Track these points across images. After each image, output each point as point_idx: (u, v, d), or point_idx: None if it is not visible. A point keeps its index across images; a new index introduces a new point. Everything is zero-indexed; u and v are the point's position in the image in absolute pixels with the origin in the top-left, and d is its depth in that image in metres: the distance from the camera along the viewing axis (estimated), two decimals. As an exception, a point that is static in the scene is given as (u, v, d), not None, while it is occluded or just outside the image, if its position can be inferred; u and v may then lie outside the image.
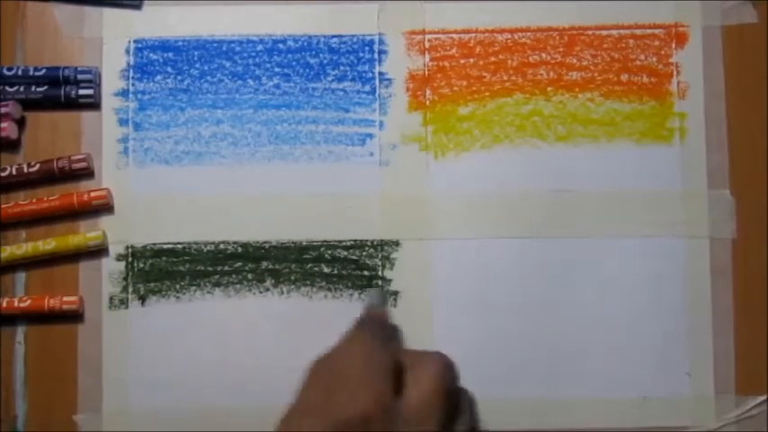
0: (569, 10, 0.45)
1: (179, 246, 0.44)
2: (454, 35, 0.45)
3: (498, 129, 0.45)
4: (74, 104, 0.44)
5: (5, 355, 0.43)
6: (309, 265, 0.44)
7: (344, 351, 0.35)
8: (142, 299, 0.44)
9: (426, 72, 0.45)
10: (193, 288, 0.44)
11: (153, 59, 0.45)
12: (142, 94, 0.45)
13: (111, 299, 0.44)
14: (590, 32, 0.45)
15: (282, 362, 0.43)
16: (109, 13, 0.45)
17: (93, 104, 0.44)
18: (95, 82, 0.44)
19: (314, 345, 0.44)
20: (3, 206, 0.43)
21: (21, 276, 0.44)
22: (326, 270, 0.44)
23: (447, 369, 0.34)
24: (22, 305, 0.43)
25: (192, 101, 0.45)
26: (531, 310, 0.44)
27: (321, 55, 0.45)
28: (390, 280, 0.44)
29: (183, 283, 0.44)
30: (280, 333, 0.44)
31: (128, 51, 0.45)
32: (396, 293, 0.44)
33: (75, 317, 0.43)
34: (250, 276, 0.44)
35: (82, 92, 0.44)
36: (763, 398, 0.43)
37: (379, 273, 0.44)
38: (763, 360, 0.43)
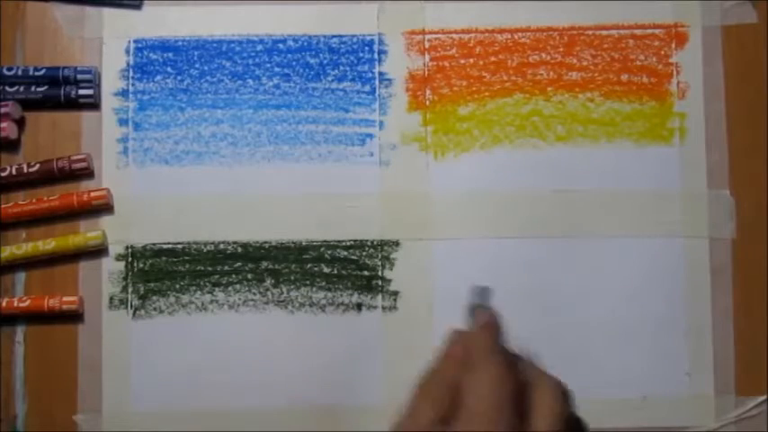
0: (569, 10, 0.45)
1: (179, 246, 0.44)
2: (454, 35, 0.45)
3: (498, 129, 0.45)
4: (74, 104, 0.44)
5: (5, 355, 0.43)
6: (309, 265, 0.44)
7: (473, 377, 0.33)
8: (142, 299, 0.44)
9: (426, 72, 0.45)
10: (193, 288, 0.44)
11: (153, 59, 0.45)
12: (142, 94, 0.45)
13: (111, 299, 0.44)
14: (590, 32, 0.45)
15: (283, 363, 0.43)
16: (109, 13, 0.45)
17: (93, 104, 0.44)
18: (95, 82, 0.44)
19: (314, 346, 0.44)
20: (3, 206, 0.43)
21: (21, 276, 0.44)
22: (326, 270, 0.44)
23: (567, 397, 0.33)
24: (21, 305, 0.43)
25: (191, 101, 0.45)
26: (530, 310, 0.44)
27: (321, 55, 0.45)
28: (390, 280, 0.44)
29: (182, 283, 0.44)
30: (280, 335, 0.44)
31: (128, 51, 0.45)
32: (396, 293, 0.44)
33: (75, 317, 0.43)
34: (250, 276, 0.44)
35: (82, 92, 0.44)
36: (762, 398, 0.43)
37: (379, 273, 0.44)
38: (763, 360, 0.43)
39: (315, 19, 0.45)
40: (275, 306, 0.44)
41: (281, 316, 0.44)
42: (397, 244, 0.44)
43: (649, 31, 0.45)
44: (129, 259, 0.44)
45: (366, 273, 0.44)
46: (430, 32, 0.45)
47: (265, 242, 0.44)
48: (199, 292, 0.44)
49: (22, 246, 0.43)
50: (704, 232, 0.44)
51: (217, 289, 0.44)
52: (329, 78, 0.45)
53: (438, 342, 0.44)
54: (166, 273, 0.44)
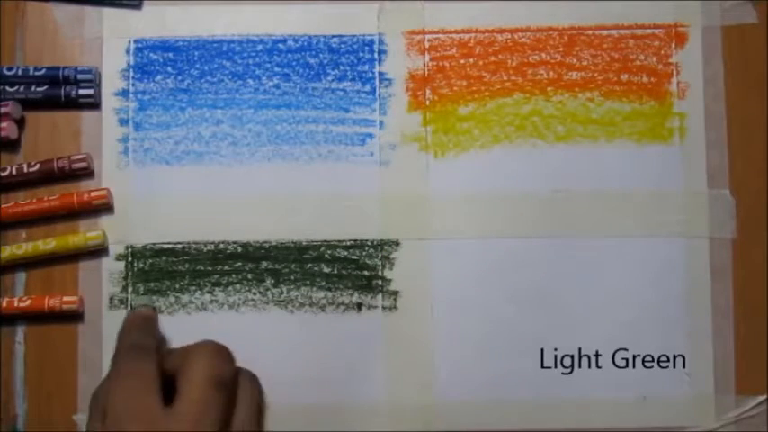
0: (569, 10, 0.45)
1: (179, 246, 0.44)
2: (454, 35, 0.45)
3: (498, 129, 0.45)
4: (74, 104, 0.44)
5: (5, 355, 0.43)
6: (309, 265, 0.44)
7: (109, 374, 0.35)
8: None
9: (426, 72, 0.45)
10: (193, 288, 0.44)
11: (153, 59, 0.45)
12: (142, 94, 0.45)
13: (110, 299, 0.44)
14: (590, 32, 0.45)
15: (283, 363, 0.43)
16: (109, 13, 0.45)
17: (93, 104, 0.44)
18: (95, 82, 0.44)
19: (314, 346, 0.44)
20: (3, 206, 0.43)
21: (21, 276, 0.44)
22: (326, 270, 0.44)
23: (219, 359, 0.33)
24: (21, 305, 0.43)
25: (192, 101, 0.45)
26: (530, 310, 0.44)
27: (321, 55, 0.45)
28: (390, 280, 0.44)
29: (182, 283, 0.44)
30: (280, 334, 0.44)
31: (128, 51, 0.45)
32: (396, 293, 0.44)
33: (75, 317, 0.43)
34: (250, 276, 0.44)
35: (82, 92, 0.44)
36: (762, 398, 0.43)
37: (379, 273, 0.44)
38: (763, 360, 0.43)
39: (315, 19, 0.45)
40: (275, 306, 0.44)
41: (281, 316, 0.44)
42: (397, 244, 0.44)
43: (649, 31, 0.45)
44: (129, 259, 0.44)
45: (366, 272, 0.44)
46: (430, 32, 0.45)
47: (265, 242, 0.44)
48: (199, 292, 0.44)
49: (22, 246, 0.43)
50: (704, 232, 0.44)
51: (217, 289, 0.44)
52: (329, 78, 0.45)
53: (438, 342, 0.44)
54: (166, 273, 0.44)
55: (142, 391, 0.32)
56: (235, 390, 0.34)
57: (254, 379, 0.38)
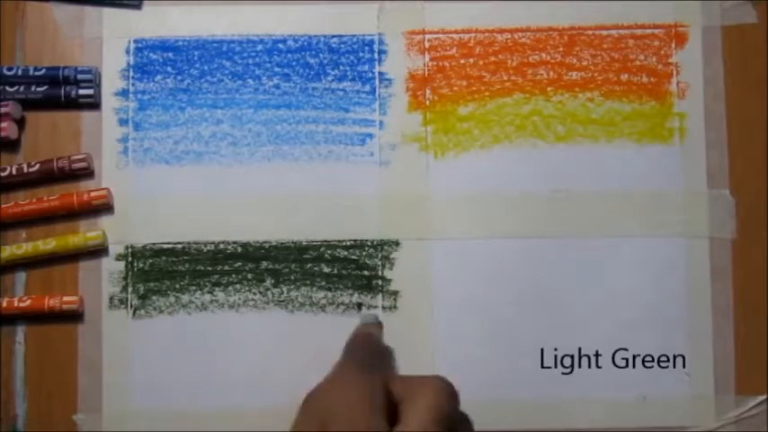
0: (569, 10, 0.45)
1: (179, 246, 0.44)
2: (454, 35, 0.45)
3: (498, 129, 0.45)
4: (74, 104, 0.44)
5: (5, 355, 0.43)
6: (309, 265, 0.44)
7: (333, 383, 0.33)
8: (142, 299, 0.44)
9: (426, 72, 0.45)
10: (193, 288, 0.44)
11: (153, 59, 0.45)
12: (142, 93, 0.45)
13: (110, 299, 0.44)
14: (590, 32, 0.45)
15: (283, 363, 0.43)
16: (109, 13, 0.45)
17: (93, 104, 0.44)
18: (95, 82, 0.44)
19: (314, 346, 0.44)
20: (3, 206, 0.43)
21: (21, 276, 0.44)
22: (326, 270, 0.44)
23: (447, 397, 0.32)
24: (21, 305, 0.43)
25: (191, 101, 0.45)
26: (530, 310, 0.44)
27: (321, 55, 0.45)
28: (390, 280, 0.44)
29: (182, 283, 0.44)
30: (280, 335, 0.44)
31: (128, 51, 0.45)
32: (396, 293, 0.44)
33: (75, 317, 0.43)
34: (250, 276, 0.44)
35: (82, 92, 0.44)
36: (762, 398, 0.43)
37: (379, 273, 0.44)
38: (763, 360, 0.43)
39: (315, 19, 0.45)
40: (275, 306, 0.44)
41: (281, 316, 0.44)
42: (397, 244, 0.44)
43: (649, 31, 0.45)
44: (129, 259, 0.44)
45: (366, 273, 0.44)
46: (430, 32, 0.45)
47: (265, 242, 0.44)
48: (199, 292, 0.44)
49: (22, 246, 0.43)
50: (704, 232, 0.44)
51: (217, 289, 0.44)
52: (329, 78, 0.45)
53: (438, 342, 0.44)
54: (166, 273, 0.44)
55: (369, 408, 0.31)
56: (455, 430, 0.33)
57: (471, 424, 0.37)
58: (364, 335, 0.40)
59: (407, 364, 0.43)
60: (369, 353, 0.38)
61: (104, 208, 0.44)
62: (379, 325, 0.42)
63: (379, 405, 0.31)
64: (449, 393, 0.33)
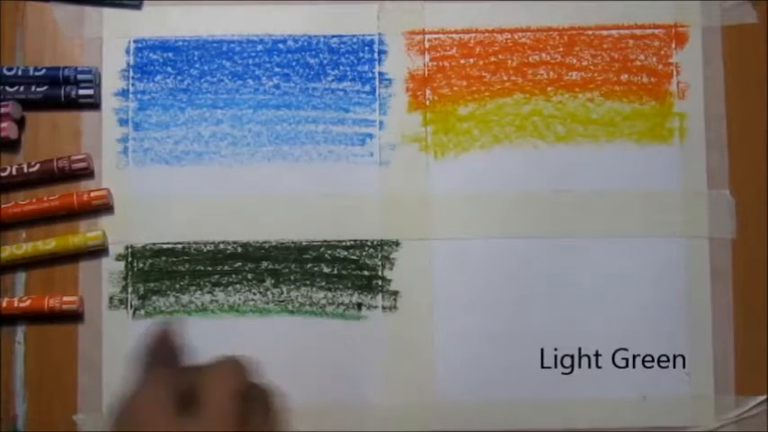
0: (569, 10, 0.45)
1: (179, 246, 0.44)
2: (454, 35, 0.45)
3: (498, 129, 0.45)
4: (74, 104, 0.44)
5: (5, 355, 0.43)
6: (309, 265, 0.44)
7: (133, 393, 0.35)
8: (142, 299, 0.44)
9: (426, 72, 0.45)
10: (193, 288, 0.44)
11: (153, 59, 0.45)
12: (142, 93, 0.45)
13: (110, 299, 0.44)
14: (590, 32, 0.45)
15: (283, 363, 0.43)
16: (109, 13, 0.45)
17: (93, 104, 0.44)
18: (95, 82, 0.44)
19: (314, 346, 0.44)
20: (3, 206, 0.43)
21: (21, 276, 0.44)
22: (326, 270, 0.44)
23: (236, 373, 0.34)
24: (21, 305, 0.43)
25: (191, 101, 0.45)
26: (531, 309, 0.44)
27: (321, 55, 0.45)
28: (390, 280, 0.44)
29: (182, 283, 0.44)
30: (280, 334, 0.44)
31: (128, 51, 0.45)
32: (396, 293, 0.44)
33: (75, 317, 0.43)
34: (250, 276, 0.44)
35: (82, 92, 0.44)
36: (762, 398, 0.43)
37: (379, 273, 0.44)
38: (763, 360, 0.43)
39: (315, 19, 0.45)
40: (275, 306, 0.44)
41: (281, 316, 0.44)
42: (397, 244, 0.44)
43: (649, 31, 0.45)
44: (129, 259, 0.44)
45: (366, 273, 0.44)
46: (430, 32, 0.45)
47: (265, 242, 0.44)
48: (199, 292, 0.44)
49: (22, 246, 0.43)
50: (704, 232, 0.44)
51: (217, 289, 0.44)
52: (329, 78, 0.45)
53: (438, 342, 0.44)
54: (166, 273, 0.44)
55: (161, 401, 0.33)
56: (253, 407, 0.35)
57: (273, 394, 0.38)
58: (151, 336, 0.40)
59: (407, 364, 0.43)
60: (155, 352, 0.38)
61: (104, 208, 0.44)
62: (171, 322, 0.42)
63: (168, 402, 0.32)
64: (238, 369, 0.34)
